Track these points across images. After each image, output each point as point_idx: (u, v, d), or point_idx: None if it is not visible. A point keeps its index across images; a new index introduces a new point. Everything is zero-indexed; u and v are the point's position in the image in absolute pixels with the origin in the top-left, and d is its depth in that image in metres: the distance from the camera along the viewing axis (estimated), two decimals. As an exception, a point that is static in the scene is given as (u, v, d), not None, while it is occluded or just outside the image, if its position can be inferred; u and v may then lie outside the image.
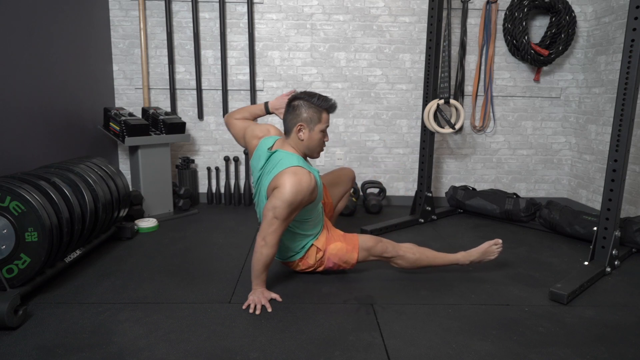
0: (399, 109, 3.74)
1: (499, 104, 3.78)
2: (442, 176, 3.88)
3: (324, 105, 2.05)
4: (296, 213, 1.98)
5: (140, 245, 2.72)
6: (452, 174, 3.88)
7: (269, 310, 1.91)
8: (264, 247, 1.94)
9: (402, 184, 3.87)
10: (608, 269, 2.38)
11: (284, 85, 3.67)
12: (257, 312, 1.89)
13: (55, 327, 1.74)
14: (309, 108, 2.03)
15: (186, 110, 3.69)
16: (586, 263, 2.44)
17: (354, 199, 3.54)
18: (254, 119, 2.40)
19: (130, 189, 3.15)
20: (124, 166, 3.74)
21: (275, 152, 2.08)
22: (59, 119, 2.84)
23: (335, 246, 2.19)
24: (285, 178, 1.92)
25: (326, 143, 2.18)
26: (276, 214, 1.91)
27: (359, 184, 3.75)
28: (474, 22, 3.63)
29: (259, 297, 1.95)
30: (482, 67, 3.69)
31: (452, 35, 3.60)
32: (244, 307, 1.93)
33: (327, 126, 2.09)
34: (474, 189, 3.57)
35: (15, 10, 2.40)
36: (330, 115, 2.14)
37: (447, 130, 3.22)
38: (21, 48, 2.46)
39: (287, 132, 2.10)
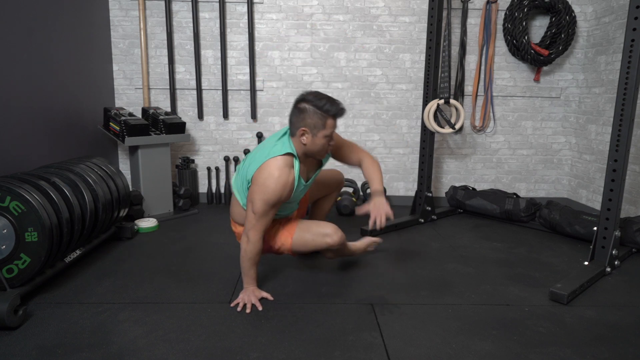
0: (399, 109, 3.74)
1: (499, 104, 3.78)
2: (442, 176, 3.88)
3: (331, 111, 1.93)
4: (275, 209, 1.96)
5: (140, 245, 2.72)
6: (452, 174, 3.88)
7: (259, 309, 1.91)
8: (247, 243, 1.95)
9: (402, 184, 3.87)
10: (608, 269, 2.38)
11: (284, 85, 3.67)
12: (247, 310, 1.89)
13: (55, 327, 1.74)
14: (314, 114, 1.92)
15: (186, 110, 3.69)
16: (586, 263, 2.44)
17: (354, 199, 3.54)
18: None
19: (130, 189, 3.15)
20: (124, 166, 3.74)
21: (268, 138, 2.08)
22: (59, 119, 2.84)
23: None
24: (266, 174, 1.89)
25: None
26: (254, 208, 1.90)
27: (359, 184, 3.75)
28: (474, 22, 3.63)
29: (249, 296, 1.95)
30: (482, 67, 3.68)
31: (452, 35, 3.59)
32: (232, 305, 1.93)
33: (333, 131, 1.99)
34: (474, 189, 3.57)
35: (15, 10, 2.40)
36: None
37: (447, 130, 3.22)
38: (21, 48, 2.46)
39: (291, 133, 2.03)
